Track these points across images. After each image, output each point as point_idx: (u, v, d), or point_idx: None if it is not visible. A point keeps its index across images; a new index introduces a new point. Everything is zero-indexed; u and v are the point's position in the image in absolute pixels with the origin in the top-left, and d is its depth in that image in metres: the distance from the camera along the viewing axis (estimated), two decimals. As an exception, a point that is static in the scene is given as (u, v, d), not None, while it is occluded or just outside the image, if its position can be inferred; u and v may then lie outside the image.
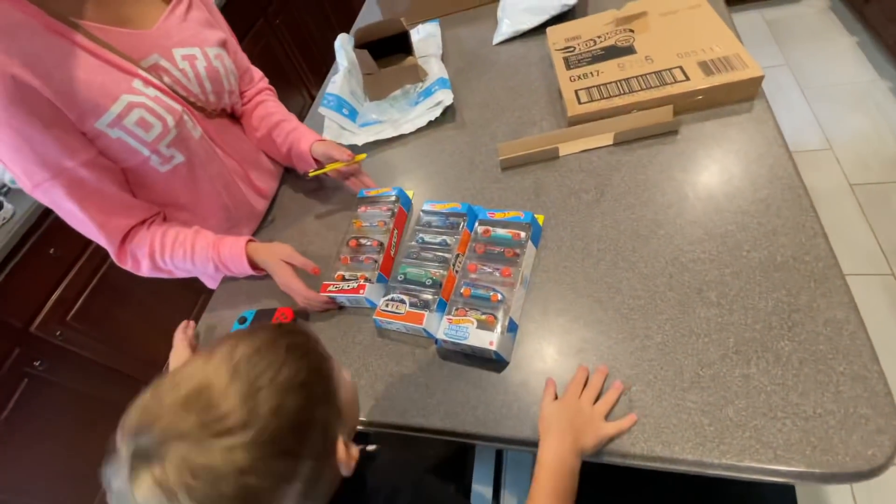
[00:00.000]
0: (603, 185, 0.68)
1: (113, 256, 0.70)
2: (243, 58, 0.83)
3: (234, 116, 0.83)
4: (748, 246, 0.55)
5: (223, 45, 0.74)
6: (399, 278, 0.64)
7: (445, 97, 0.86)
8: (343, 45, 0.94)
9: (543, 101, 0.83)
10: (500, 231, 0.64)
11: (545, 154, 0.74)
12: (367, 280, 0.65)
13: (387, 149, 0.88)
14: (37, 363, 1.29)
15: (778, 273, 0.52)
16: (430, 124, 0.88)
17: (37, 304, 1.30)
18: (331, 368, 0.40)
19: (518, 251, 0.61)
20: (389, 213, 0.72)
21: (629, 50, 0.78)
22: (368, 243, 0.70)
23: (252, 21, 2.18)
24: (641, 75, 0.73)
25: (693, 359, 0.49)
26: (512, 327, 0.56)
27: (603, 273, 0.59)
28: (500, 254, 0.62)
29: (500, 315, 0.56)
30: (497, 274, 0.60)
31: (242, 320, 0.68)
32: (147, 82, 0.63)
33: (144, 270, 0.71)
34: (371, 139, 0.88)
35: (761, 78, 0.67)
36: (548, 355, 0.55)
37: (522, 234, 0.63)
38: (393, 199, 0.74)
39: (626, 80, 0.74)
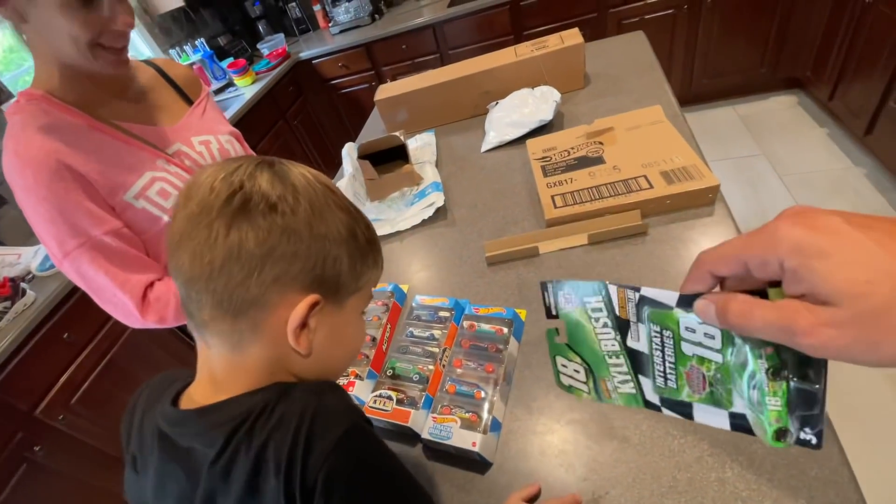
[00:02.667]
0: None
1: (136, 314, 0.72)
2: (249, 152, 0.95)
3: None
4: (715, 345, 0.58)
5: (233, 135, 0.90)
6: (388, 372, 0.67)
7: (438, 199, 0.95)
8: (349, 153, 1.06)
9: (525, 203, 0.92)
10: (485, 326, 0.68)
11: (527, 252, 0.80)
12: (357, 377, 0.68)
13: (385, 244, 0.96)
14: (37, 448, 1.28)
15: (745, 373, 0.55)
16: (424, 222, 0.96)
17: (44, 388, 1.32)
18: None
19: (501, 346, 0.65)
20: (384, 308, 0.77)
21: (599, 160, 0.87)
22: (362, 338, 0.74)
23: (273, 122, 2.43)
24: (610, 183, 0.81)
25: (670, 461, 0.50)
26: (495, 426, 0.58)
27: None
28: (485, 349, 0.65)
29: (483, 414, 0.58)
30: (481, 370, 0.63)
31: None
32: (169, 161, 0.77)
33: (171, 314, 0.73)
34: (370, 236, 0.96)
35: (717, 187, 0.74)
36: (531, 456, 0.56)
37: (505, 330, 0.66)
38: (388, 293, 0.79)
39: (597, 187, 0.82)
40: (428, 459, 0.59)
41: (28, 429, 1.27)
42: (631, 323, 0.31)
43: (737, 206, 1.94)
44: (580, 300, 0.34)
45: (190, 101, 0.86)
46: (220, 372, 0.37)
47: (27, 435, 1.26)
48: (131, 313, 0.73)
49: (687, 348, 0.29)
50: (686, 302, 0.28)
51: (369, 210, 1.03)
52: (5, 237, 1.63)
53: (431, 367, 0.65)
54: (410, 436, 0.61)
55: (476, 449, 0.54)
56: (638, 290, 0.30)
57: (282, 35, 2.79)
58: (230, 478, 0.33)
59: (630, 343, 0.32)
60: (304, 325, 0.36)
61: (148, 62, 0.86)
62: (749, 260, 0.24)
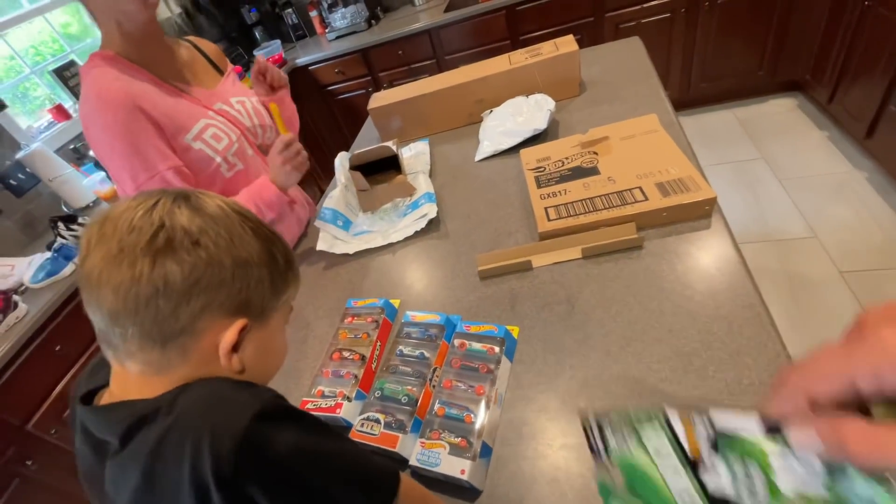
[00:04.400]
0: (574, 298, 0.71)
1: None
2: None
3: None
4: (714, 367, 0.56)
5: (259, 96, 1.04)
6: (376, 394, 0.65)
7: (430, 210, 0.93)
8: (342, 163, 1.04)
9: (519, 214, 0.90)
10: (476, 345, 0.66)
11: (519, 266, 0.78)
12: (345, 398, 0.66)
13: (376, 257, 0.94)
14: (29, 462, 1.27)
15: (745, 397, 0.52)
16: (417, 234, 0.94)
17: (37, 401, 1.31)
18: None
19: (492, 367, 0.63)
20: (374, 324, 0.75)
21: (594, 171, 0.85)
22: (350, 357, 0.72)
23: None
24: (605, 195, 0.79)
25: (665, 491, 0.48)
26: (485, 451, 0.56)
27: (575, 392, 0.59)
28: (476, 369, 0.63)
29: (473, 439, 0.56)
30: (472, 392, 0.61)
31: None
32: (217, 113, 0.92)
33: None
34: (363, 247, 0.94)
35: (714, 199, 0.72)
36: (522, 483, 0.54)
37: (497, 349, 0.64)
38: (378, 309, 0.77)
39: (591, 199, 0.80)
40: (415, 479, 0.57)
41: (20, 443, 1.25)
42: (704, 458, 0.26)
43: (736, 211, 1.92)
44: (636, 437, 0.28)
45: (221, 72, 1.00)
46: (133, 385, 0.37)
47: (19, 449, 1.25)
48: None
49: (783, 483, 0.24)
50: (773, 427, 0.23)
51: (361, 222, 1.01)
52: (-1, 248, 1.62)
53: (421, 388, 0.63)
54: (398, 460, 0.59)
55: (465, 477, 0.52)
56: (707, 414, 0.25)
57: (278, 41, 2.78)
58: (126, 471, 0.34)
59: (710, 486, 0.26)
60: (234, 347, 0.38)
61: (183, 38, 0.99)
62: (859, 376, 0.21)
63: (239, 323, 0.37)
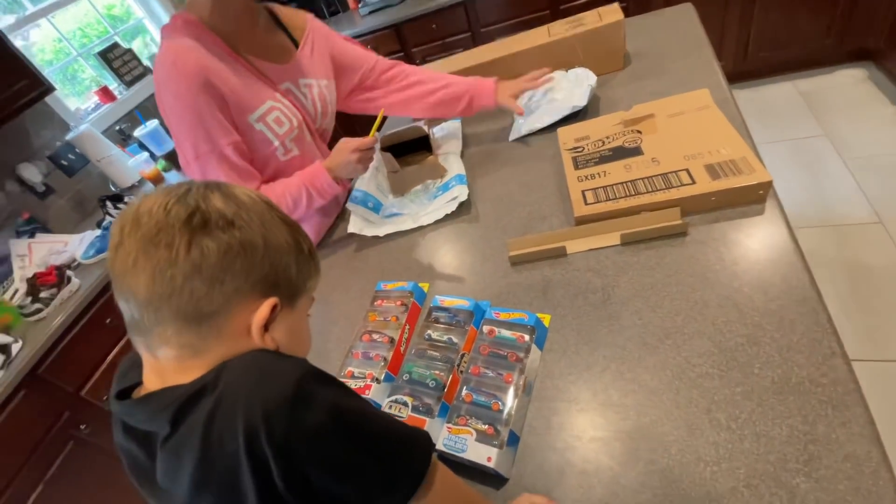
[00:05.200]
0: (610, 287, 0.69)
1: None
2: (354, 49, 1.07)
3: (326, 136, 1.07)
4: (760, 363, 0.53)
5: (329, 78, 1.01)
6: (405, 377, 0.66)
7: (461, 193, 0.92)
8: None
9: (554, 198, 0.87)
10: (505, 332, 0.66)
11: (553, 252, 0.76)
12: (374, 379, 0.68)
13: (406, 240, 0.94)
14: (82, 426, 1.38)
15: (793, 396, 0.50)
16: (447, 217, 0.93)
17: (89, 370, 1.42)
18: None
19: (522, 355, 0.62)
20: (403, 307, 0.76)
21: (636, 151, 0.81)
22: (380, 339, 0.73)
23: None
24: (648, 177, 0.76)
25: (700, 489, 0.47)
26: (513, 440, 0.56)
27: (607, 384, 0.58)
28: (504, 357, 0.63)
29: (500, 427, 0.56)
30: (500, 379, 0.61)
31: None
32: (283, 95, 0.91)
33: None
34: (392, 230, 0.95)
35: (769, 183, 0.67)
36: (549, 475, 0.54)
37: (527, 338, 0.64)
38: (407, 293, 0.78)
39: (633, 181, 0.76)
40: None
41: (74, 408, 1.37)
42: None
43: (792, 192, 1.80)
44: None
45: (296, 43, 0.97)
46: (170, 373, 0.38)
47: (73, 414, 1.36)
48: None
49: None
50: None
51: (391, 205, 1.02)
52: (53, 225, 1.74)
53: (449, 373, 0.64)
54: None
55: (491, 465, 0.53)
56: None
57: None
58: (180, 456, 0.35)
59: None
60: (266, 325, 0.39)
61: (261, 4, 0.97)
62: None
63: (271, 300, 0.39)
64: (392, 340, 0.72)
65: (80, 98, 2.13)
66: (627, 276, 0.69)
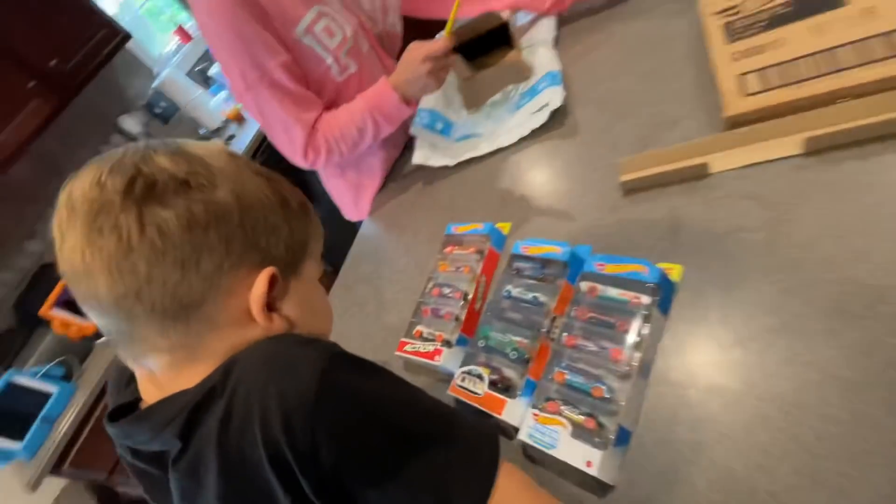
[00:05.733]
0: (781, 222, 0.47)
1: (300, 153, 0.80)
2: None
3: (391, 41, 0.92)
4: None
5: None
6: (480, 343, 0.55)
7: (553, 97, 0.72)
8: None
9: (689, 93, 0.62)
10: (613, 291, 0.49)
11: (688, 172, 0.55)
12: (445, 342, 0.58)
13: (482, 168, 0.78)
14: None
15: None
16: (535, 133, 0.74)
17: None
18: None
19: (636, 323, 0.46)
20: (477, 255, 0.63)
21: (832, 2, 0.52)
22: (451, 294, 0.62)
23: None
24: (856, 42, 0.48)
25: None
26: (622, 438, 0.43)
27: (771, 369, 0.40)
28: (611, 325, 0.48)
29: (605, 419, 0.43)
30: (604, 355, 0.46)
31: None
32: None
33: (323, 157, 0.81)
34: (465, 156, 0.79)
35: None
36: (672, 487, 0.40)
37: (644, 299, 0.47)
38: (483, 237, 0.64)
39: (829, 51, 0.49)
40: (527, 459, 0.48)
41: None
42: None
43: None
44: None
45: None
46: (170, 382, 0.33)
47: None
48: (297, 151, 0.80)
49: None
50: None
51: (463, 124, 0.84)
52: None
53: (535, 342, 0.51)
54: (504, 429, 0.50)
55: (592, 472, 0.41)
56: None
57: None
58: (199, 475, 0.30)
59: None
60: (269, 304, 0.33)
61: None
62: None
63: (268, 271, 0.33)
64: (465, 296, 0.61)
65: (160, 43, 2.21)
66: (812, 205, 0.46)
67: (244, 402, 0.28)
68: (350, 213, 1.00)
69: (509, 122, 0.77)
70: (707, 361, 0.44)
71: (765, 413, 0.39)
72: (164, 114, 1.85)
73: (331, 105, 0.83)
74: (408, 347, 0.61)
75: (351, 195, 0.97)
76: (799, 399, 0.38)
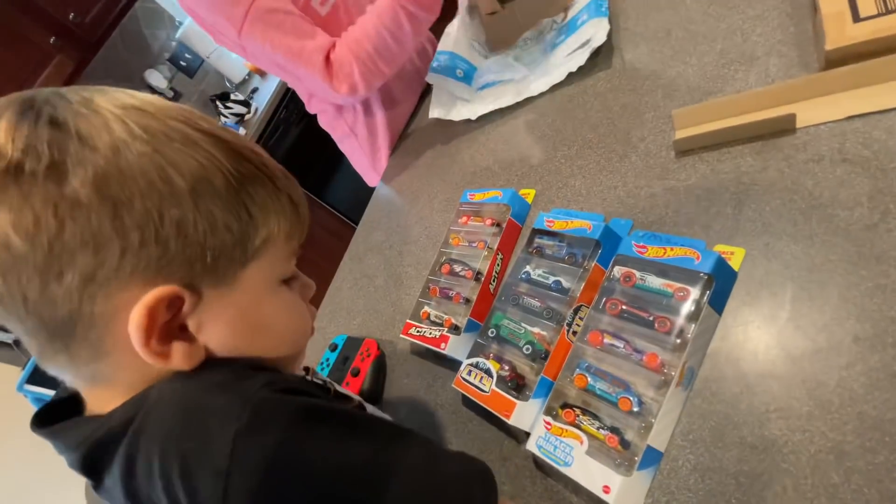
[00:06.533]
0: (891, 196, 0.36)
1: (326, 86, 0.72)
2: None
3: None
4: None
5: None
6: (491, 332, 0.49)
7: (597, 32, 0.60)
8: (462, -24, 0.75)
9: (774, 19, 0.49)
10: (654, 280, 0.41)
11: (766, 126, 0.44)
12: (453, 328, 0.52)
13: (506, 123, 0.69)
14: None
15: None
16: (573, 78, 0.63)
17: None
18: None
19: (680, 322, 0.38)
20: (495, 228, 0.56)
21: None
22: (462, 273, 0.56)
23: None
24: None
25: None
26: (650, 460, 0.36)
27: (861, 392, 0.32)
28: (649, 323, 0.40)
29: (630, 436, 0.37)
30: (638, 358, 0.39)
31: (333, 347, 0.66)
32: None
33: (360, 83, 0.71)
34: (489, 108, 0.70)
35: None
36: (712, 526, 0.34)
37: (693, 292, 0.39)
38: (502, 207, 0.57)
39: None
40: (538, 468, 0.43)
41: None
42: None
43: None
44: None
45: None
46: (89, 399, 0.29)
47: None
48: (322, 86, 0.72)
49: None
50: None
51: (487, 69, 0.74)
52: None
53: (555, 335, 0.45)
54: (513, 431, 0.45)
55: (609, 499, 0.35)
56: None
57: None
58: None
59: None
60: (169, 332, 0.26)
61: None
62: None
63: (151, 296, 0.25)
64: (478, 275, 0.54)
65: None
66: (947, 176, 0.35)
67: (146, 457, 0.24)
68: (370, 178, 0.94)
69: (543, 65, 0.67)
70: (769, 374, 0.36)
71: (844, 448, 0.31)
72: (189, 67, 1.84)
73: None
74: (413, 331, 0.56)
75: (367, 159, 0.91)
76: (879, 423, 0.30)
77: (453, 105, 0.73)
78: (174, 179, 0.25)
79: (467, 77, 0.74)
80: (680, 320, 0.39)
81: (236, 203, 0.27)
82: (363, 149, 0.90)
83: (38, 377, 1.32)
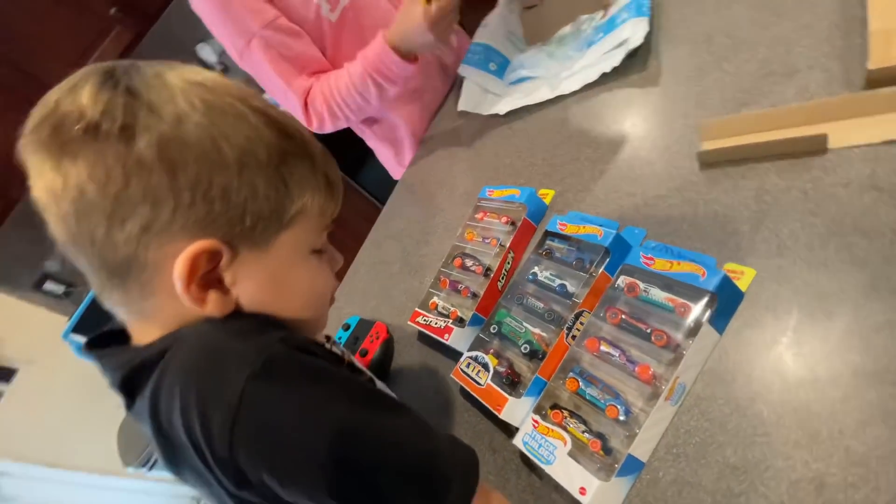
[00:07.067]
0: (919, 229, 0.35)
1: (301, 118, 0.80)
2: None
3: None
4: None
5: None
6: (493, 328, 0.51)
7: (635, 32, 0.60)
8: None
9: (823, 34, 0.48)
10: (658, 293, 0.42)
11: (797, 145, 0.43)
12: (458, 320, 0.55)
13: (534, 120, 0.69)
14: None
15: None
16: (605, 78, 0.63)
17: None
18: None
19: (678, 338, 0.39)
20: (509, 227, 0.58)
21: None
22: (473, 267, 0.58)
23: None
24: None
25: None
26: (629, 468, 0.38)
27: (854, 429, 0.32)
28: (646, 335, 0.41)
29: (613, 443, 0.38)
30: (630, 370, 0.41)
31: (346, 327, 0.70)
32: None
33: (328, 123, 0.80)
34: (519, 104, 0.70)
35: None
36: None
37: (695, 309, 0.39)
38: (518, 206, 0.58)
39: None
40: (523, 463, 0.45)
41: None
42: None
43: None
44: None
45: None
46: (132, 330, 0.34)
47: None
48: (298, 116, 0.80)
49: None
50: None
51: (520, 64, 0.75)
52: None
53: (554, 336, 0.46)
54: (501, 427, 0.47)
55: (585, 500, 0.37)
56: None
57: None
58: (143, 422, 0.30)
59: None
60: (207, 282, 0.30)
61: None
62: None
63: (196, 246, 0.29)
64: (488, 270, 0.56)
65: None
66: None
67: (169, 389, 0.28)
68: (394, 171, 0.97)
69: (577, 62, 0.67)
70: (761, 398, 0.36)
71: (825, 480, 0.31)
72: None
73: (334, 52, 0.79)
74: (420, 319, 0.59)
75: (391, 152, 0.94)
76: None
77: (483, 99, 0.74)
78: (224, 150, 0.29)
79: (500, 70, 0.75)
80: (677, 335, 0.39)
81: (276, 176, 0.31)
82: (386, 143, 0.93)
83: (82, 327, 1.45)
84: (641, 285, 0.43)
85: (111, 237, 0.28)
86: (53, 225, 0.29)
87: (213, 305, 0.30)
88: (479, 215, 0.62)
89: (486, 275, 0.56)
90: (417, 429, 0.32)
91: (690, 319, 0.39)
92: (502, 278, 0.56)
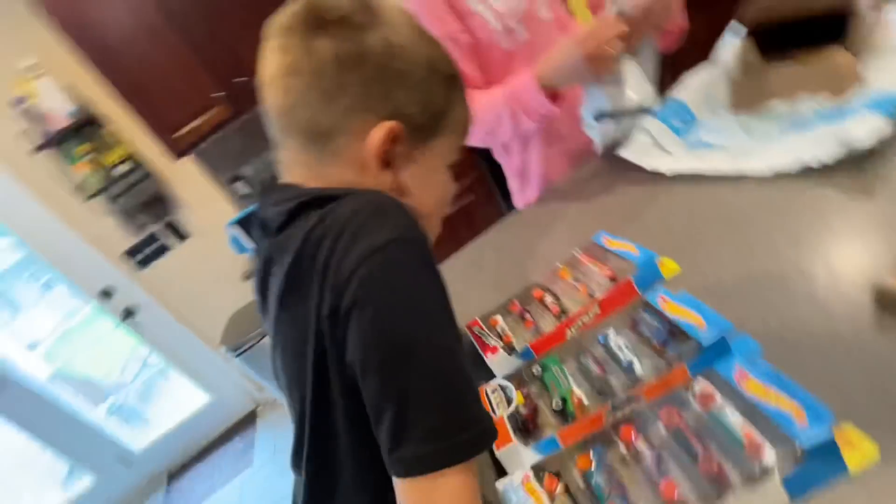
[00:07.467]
0: None
1: None
2: None
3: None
4: None
5: None
6: (535, 370, 0.47)
7: (867, 131, 0.49)
8: (736, 31, 0.69)
9: None
10: (734, 419, 0.34)
11: None
12: (508, 347, 0.52)
13: (697, 190, 0.61)
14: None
15: None
16: (806, 171, 0.53)
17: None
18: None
19: (731, 477, 0.32)
20: (609, 282, 0.53)
21: None
22: (551, 304, 0.54)
23: None
24: None
25: None
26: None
27: None
28: (695, 456, 0.34)
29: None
30: (654, 478, 0.34)
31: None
32: None
33: (476, 138, 0.81)
34: (687, 169, 0.63)
35: None
36: None
37: (769, 455, 0.31)
38: (629, 265, 0.53)
39: None
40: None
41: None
42: None
43: None
44: None
45: None
46: (304, 181, 0.41)
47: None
48: None
49: None
50: None
51: (711, 127, 0.67)
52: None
53: (592, 407, 0.41)
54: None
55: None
56: None
57: None
58: (282, 251, 0.37)
59: None
60: (385, 157, 0.38)
61: None
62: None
63: (388, 125, 0.37)
64: (562, 314, 0.52)
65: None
66: None
67: (335, 217, 0.34)
68: (517, 198, 0.95)
69: (775, 144, 0.57)
70: None
71: None
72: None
73: (503, 77, 0.76)
74: (476, 329, 0.58)
75: (516, 181, 0.92)
76: None
77: (650, 152, 0.69)
78: (423, 57, 0.39)
79: (683, 131, 0.69)
80: (732, 474, 0.32)
81: (446, 90, 0.40)
82: (513, 172, 0.92)
83: (244, 223, 1.75)
84: (719, 401, 0.36)
85: (329, 107, 0.36)
86: (276, 97, 0.38)
87: (385, 179, 0.39)
88: (581, 257, 0.58)
89: (559, 317, 0.52)
90: (467, 373, 0.34)
91: (758, 464, 0.31)
92: (575, 328, 0.51)
